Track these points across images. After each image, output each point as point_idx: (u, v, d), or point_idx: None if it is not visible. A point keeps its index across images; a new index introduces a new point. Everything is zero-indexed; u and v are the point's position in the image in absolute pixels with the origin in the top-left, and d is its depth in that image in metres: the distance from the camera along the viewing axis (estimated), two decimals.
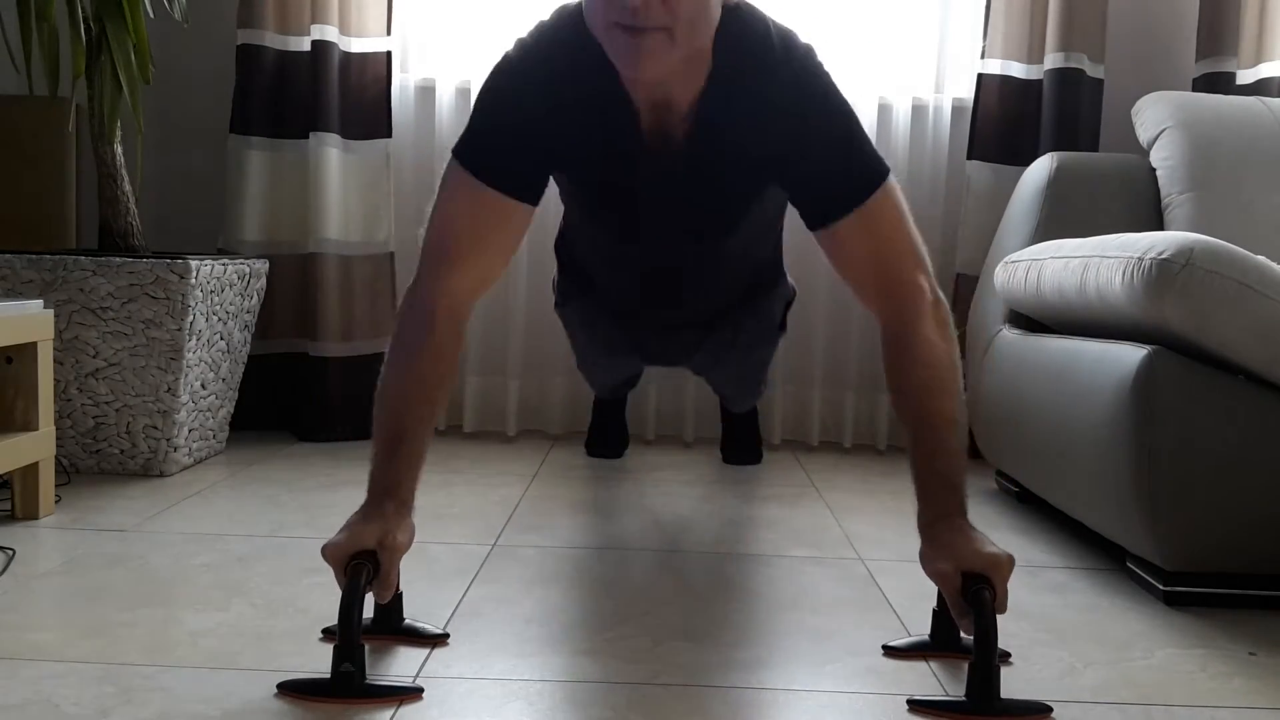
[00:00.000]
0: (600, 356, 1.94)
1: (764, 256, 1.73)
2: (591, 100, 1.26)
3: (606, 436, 2.30)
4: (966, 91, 2.47)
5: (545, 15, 1.33)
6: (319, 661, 1.09)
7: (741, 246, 1.58)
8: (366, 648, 1.04)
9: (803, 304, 2.46)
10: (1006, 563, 1.08)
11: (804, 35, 1.31)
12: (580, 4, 1.24)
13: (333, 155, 2.31)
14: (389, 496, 1.15)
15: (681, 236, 1.49)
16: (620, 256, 1.62)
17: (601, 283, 1.73)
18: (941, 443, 1.17)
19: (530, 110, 1.27)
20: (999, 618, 1.05)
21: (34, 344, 1.59)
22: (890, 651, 1.19)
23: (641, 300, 1.70)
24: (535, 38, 1.30)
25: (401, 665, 1.10)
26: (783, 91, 1.24)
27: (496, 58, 1.32)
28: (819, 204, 1.29)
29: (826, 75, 1.29)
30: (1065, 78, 2.33)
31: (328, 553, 1.09)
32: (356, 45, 2.34)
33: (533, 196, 1.30)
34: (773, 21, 1.30)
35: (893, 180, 1.28)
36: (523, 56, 1.29)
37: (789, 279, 1.86)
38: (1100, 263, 1.44)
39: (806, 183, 1.30)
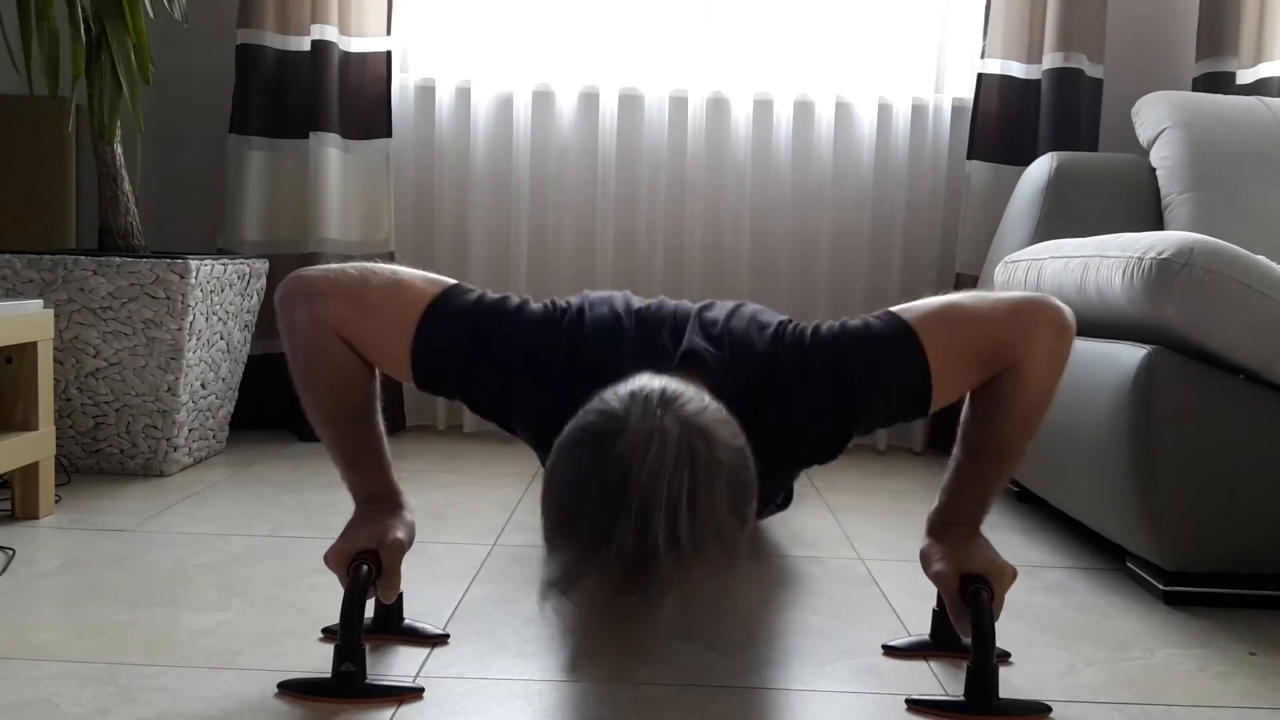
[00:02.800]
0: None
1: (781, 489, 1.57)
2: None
3: None
4: (966, 91, 2.47)
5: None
6: (319, 661, 1.09)
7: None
8: (367, 647, 1.04)
9: (803, 304, 2.46)
10: (1009, 572, 1.09)
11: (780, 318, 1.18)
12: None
13: (333, 155, 2.31)
14: (374, 500, 1.15)
15: None
16: None
17: None
18: (1000, 471, 1.13)
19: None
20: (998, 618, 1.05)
21: (34, 344, 1.59)
22: (890, 651, 1.19)
23: None
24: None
25: (401, 665, 1.10)
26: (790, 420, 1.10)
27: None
28: (900, 416, 1.15)
29: (808, 343, 1.12)
30: (1065, 77, 2.33)
31: (329, 558, 1.09)
32: (356, 45, 2.34)
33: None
34: (756, 332, 1.14)
35: (904, 317, 1.11)
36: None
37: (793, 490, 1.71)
38: (1100, 263, 1.44)
39: (879, 422, 1.16)
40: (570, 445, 0.90)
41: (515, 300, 1.15)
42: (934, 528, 1.16)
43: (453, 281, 1.15)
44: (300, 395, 1.14)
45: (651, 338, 1.12)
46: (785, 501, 1.65)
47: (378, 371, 1.15)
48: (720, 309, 1.17)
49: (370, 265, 1.14)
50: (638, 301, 1.18)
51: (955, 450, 1.16)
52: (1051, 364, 1.09)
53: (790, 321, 1.16)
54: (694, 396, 0.91)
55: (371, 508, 1.14)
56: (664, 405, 0.88)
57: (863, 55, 2.47)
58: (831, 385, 1.09)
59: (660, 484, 0.84)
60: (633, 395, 0.89)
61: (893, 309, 1.13)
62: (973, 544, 1.11)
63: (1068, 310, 1.10)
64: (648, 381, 0.92)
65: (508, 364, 1.11)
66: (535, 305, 1.15)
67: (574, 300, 1.17)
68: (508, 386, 1.11)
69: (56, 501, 1.67)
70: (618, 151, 2.44)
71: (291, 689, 1.02)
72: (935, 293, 1.19)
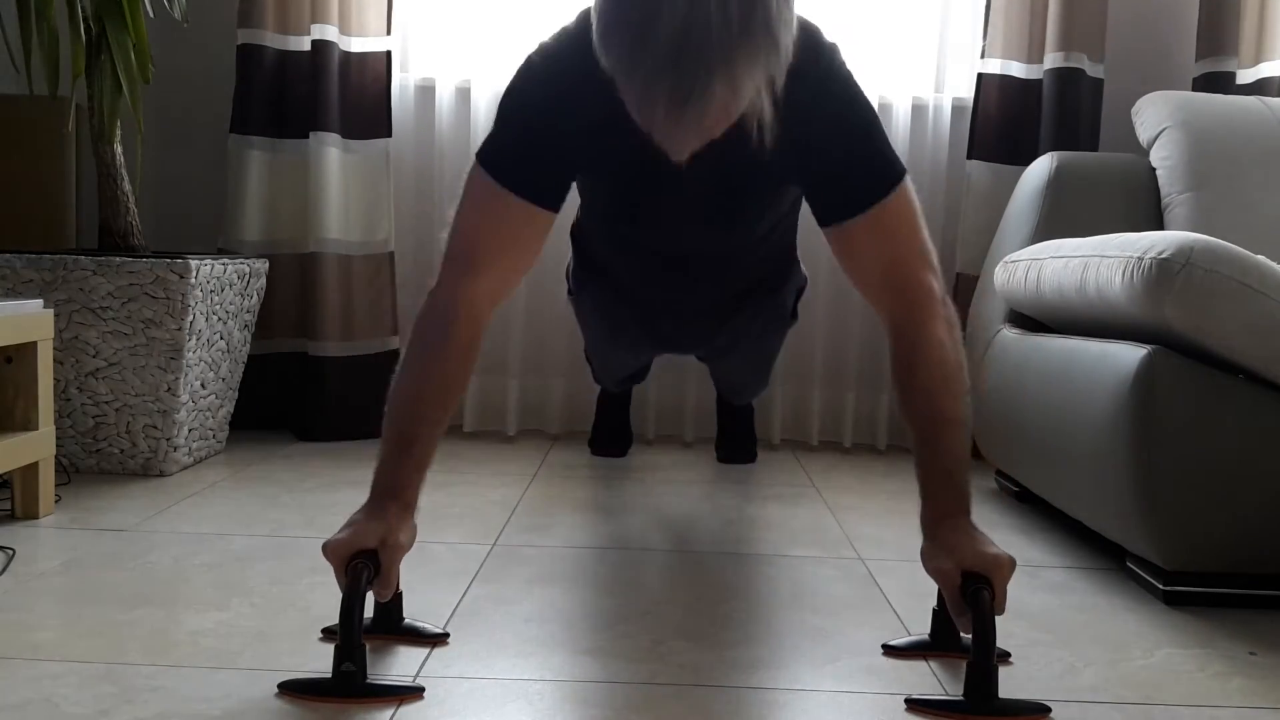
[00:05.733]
0: (613, 345, 1.93)
1: (780, 246, 1.72)
2: (607, 119, 1.19)
3: (611, 434, 2.30)
4: (966, 91, 2.47)
5: (555, 17, 1.30)
6: (319, 661, 1.09)
7: (758, 237, 1.57)
8: (367, 647, 1.04)
9: (804, 303, 2.46)
10: (1007, 564, 1.09)
11: (828, 33, 1.30)
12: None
13: (333, 155, 2.31)
14: (392, 497, 1.15)
15: (700, 229, 1.49)
16: (638, 246, 1.61)
17: (618, 270, 1.72)
18: (946, 443, 1.17)
19: (550, 117, 1.26)
20: (998, 618, 1.05)
21: (34, 344, 1.59)
22: (890, 651, 1.19)
23: (658, 287, 1.69)
24: (557, 43, 1.28)
25: (402, 665, 1.10)
26: (806, 93, 1.21)
27: (500, 58, 1.31)
28: (833, 202, 1.28)
29: (849, 75, 1.28)
30: (1065, 77, 2.33)
31: (329, 550, 1.09)
32: (356, 45, 2.34)
33: (554, 203, 1.29)
34: (800, 18, 1.26)
35: (908, 182, 1.27)
36: (545, 63, 1.28)
37: (801, 267, 1.86)
38: (1100, 262, 1.44)
39: (823, 181, 1.29)
40: None
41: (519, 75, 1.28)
42: (926, 526, 1.16)
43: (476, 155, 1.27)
44: (403, 366, 1.21)
45: None
46: (798, 293, 1.85)
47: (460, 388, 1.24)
48: None
49: (446, 250, 1.27)
50: None
51: (913, 449, 1.20)
52: (949, 330, 1.22)
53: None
54: None
55: (382, 504, 1.14)
56: None
57: (863, 55, 2.47)
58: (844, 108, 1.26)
59: None
60: None
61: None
62: (969, 537, 1.11)
63: (952, 306, 1.26)
64: None
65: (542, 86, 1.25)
66: (535, 56, 1.29)
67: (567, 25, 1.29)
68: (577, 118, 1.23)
69: (56, 501, 1.67)
70: None
71: (292, 689, 1.02)
72: None
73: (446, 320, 1.22)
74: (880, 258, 1.27)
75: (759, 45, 0.98)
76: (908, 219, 1.27)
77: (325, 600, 1.28)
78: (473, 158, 1.28)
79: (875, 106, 2.45)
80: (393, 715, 0.98)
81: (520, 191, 1.25)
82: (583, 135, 1.27)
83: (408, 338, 1.25)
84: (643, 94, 1.00)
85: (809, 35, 1.25)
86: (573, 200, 1.61)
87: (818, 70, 1.24)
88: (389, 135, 2.37)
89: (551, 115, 1.26)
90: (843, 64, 1.28)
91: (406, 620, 1.20)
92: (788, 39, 1.03)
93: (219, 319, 2.01)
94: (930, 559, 1.12)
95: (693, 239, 1.52)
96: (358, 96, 2.35)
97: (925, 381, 1.19)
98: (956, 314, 1.25)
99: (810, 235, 2.47)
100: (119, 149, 2.01)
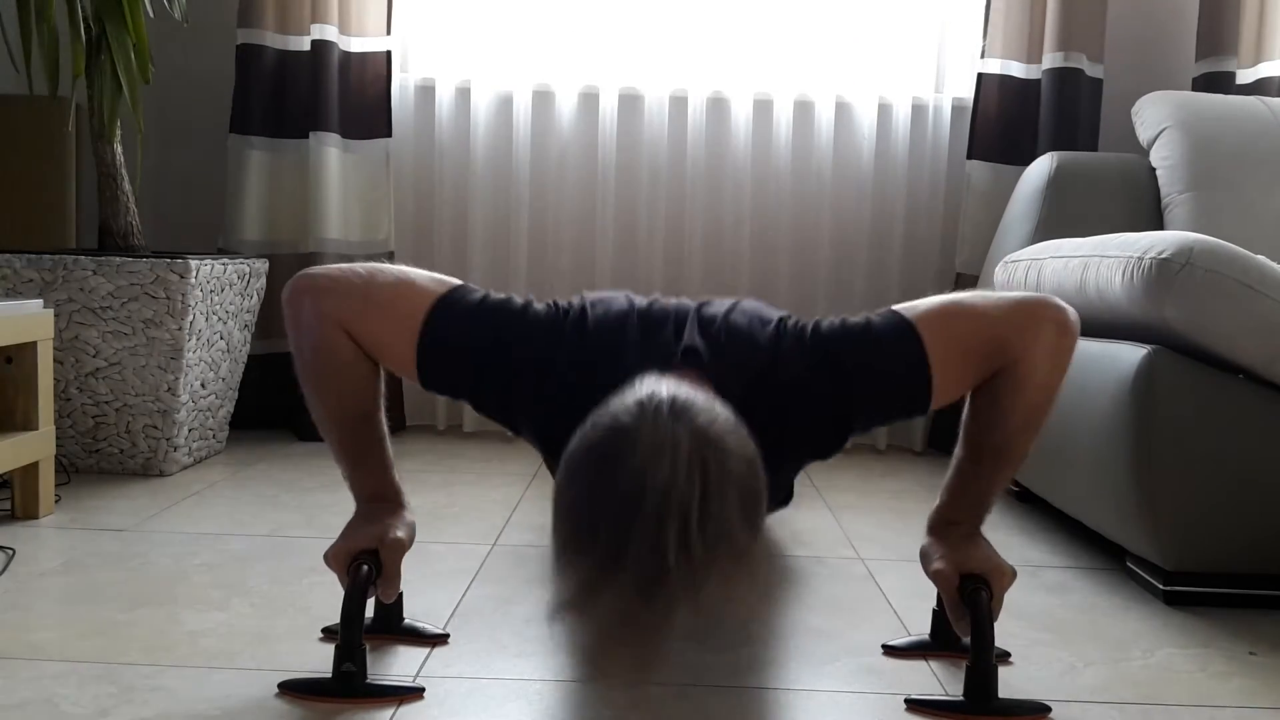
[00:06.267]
0: None
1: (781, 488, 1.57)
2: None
3: None
4: (966, 91, 2.47)
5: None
6: (319, 661, 1.09)
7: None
8: (367, 647, 1.04)
9: (803, 304, 2.46)
10: (1008, 573, 1.09)
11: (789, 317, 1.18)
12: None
13: (332, 155, 2.31)
14: (375, 499, 1.15)
15: None
16: None
17: None
18: (1002, 472, 1.13)
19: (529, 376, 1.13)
20: (998, 618, 1.05)
21: (34, 344, 1.59)
22: (890, 651, 1.19)
23: None
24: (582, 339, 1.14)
25: (402, 665, 1.10)
26: (784, 398, 1.10)
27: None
28: (906, 411, 1.14)
29: (808, 343, 1.12)
30: (1065, 77, 2.33)
31: (329, 557, 1.09)
32: (356, 45, 2.34)
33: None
34: (759, 328, 1.14)
35: (906, 315, 1.12)
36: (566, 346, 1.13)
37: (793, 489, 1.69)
38: (1100, 262, 1.44)
39: (879, 420, 1.16)
40: (580, 461, 0.90)
41: (520, 301, 1.16)
42: (934, 526, 1.16)
43: (458, 281, 1.15)
44: (305, 393, 1.14)
45: (654, 335, 1.12)
46: (786, 499, 1.65)
47: (382, 371, 1.15)
48: (719, 305, 1.18)
49: (377, 265, 1.15)
50: (639, 300, 1.19)
51: (957, 449, 1.16)
52: (1053, 363, 1.09)
53: (790, 318, 1.16)
54: (704, 405, 0.90)
55: (373, 507, 1.14)
56: (674, 416, 0.88)
57: (863, 55, 2.47)
58: (831, 382, 1.09)
59: (673, 497, 0.84)
60: (642, 406, 0.89)
61: (895, 307, 1.13)
62: (972, 544, 1.12)
63: (1071, 310, 1.09)
64: (656, 388, 0.91)
65: (513, 362, 1.11)
66: (539, 305, 1.16)
67: (575, 300, 1.18)
68: (513, 385, 1.12)
69: (56, 501, 1.67)
70: (618, 151, 2.44)
71: (292, 689, 1.02)
72: (936, 293, 1.19)
73: (319, 337, 1.11)
74: (976, 370, 1.11)
75: (725, 567, 0.87)
76: (949, 326, 1.10)
77: (325, 600, 1.28)
78: (450, 290, 1.14)
79: (875, 107, 2.46)
80: (393, 715, 0.98)
81: (426, 382, 1.14)
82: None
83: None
84: (606, 622, 0.88)
85: (773, 341, 1.12)
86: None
87: (788, 373, 1.11)
88: (389, 135, 2.37)
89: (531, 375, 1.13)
90: (796, 339, 1.13)
91: (406, 620, 1.20)
92: (761, 517, 0.93)
93: (219, 319, 2.00)
94: (929, 561, 1.12)
95: None
96: (358, 96, 2.35)
97: (1011, 418, 1.09)
98: (1074, 345, 1.10)
99: (811, 217, 2.48)
100: (119, 149, 2.01)
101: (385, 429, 1.16)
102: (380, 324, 1.11)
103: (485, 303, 1.13)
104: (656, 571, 0.84)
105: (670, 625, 0.87)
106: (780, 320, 1.15)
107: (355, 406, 1.14)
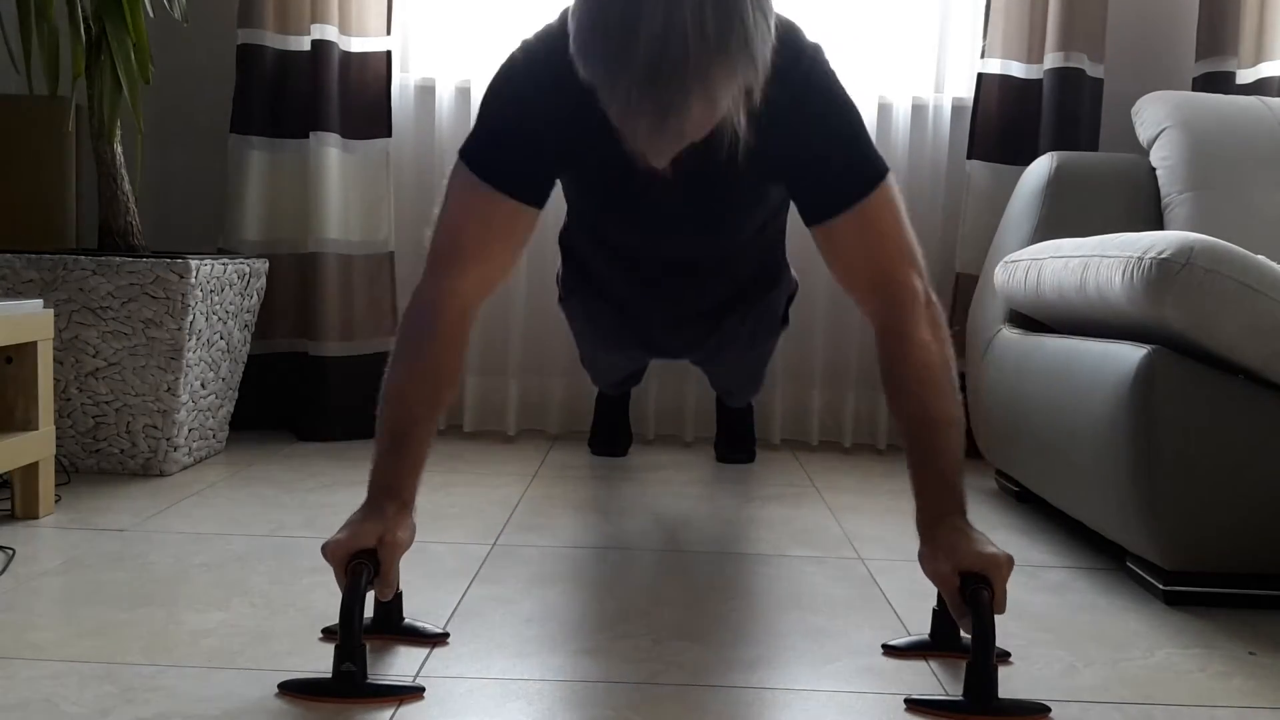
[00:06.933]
0: (604, 350, 1.93)
1: (768, 249, 1.73)
2: (587, 121, 1.18)
3: (610, 434, 2.30)
4: (966, 91, 2.47)
5: (552, 17, 1.31)
6: (319, 661, 1.09)
7: (746, 241, 1.58)
8: (367, 647, 1.04)
9: (803, 303, 2.46)
10: (1005, 563, 1.08)
11: (810, 33, 1.30)
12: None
13: (332, 155, 2.31)
14: (390, 496, 1.15)
15: (685, 231, 1.49)
16: (624, 251, 1.61)
17: (605, 275, 1.72)
18: (937, 442, 1.17)
19: (533, 116, 1.26)
20: (998, 617, 1.05)
21: (34, 344, 1.59)
22: (890, 651, 1.19)
23: (646, 293, 1.70)
24: (540, 42, 1.28)
25: (401, 665, 1.10)
26: (787, 95, 1.21)
27: (500, 58, 1.31)
28: (817, 200, 1.29)
29: (832, 74, 1.28)
30: (1065, 77, 2.33)
31: (328, 551, 1.09)
32: (356, 45, 2.34)
33: (538, 200, 1.30)
34: (779, 19, 1.28)
35: (891, 180, 1.27)
36: (527, 61, 1.28)
37: (791, 272, 1.86)
38: (1100, 262, 1.44)
39: (806, 179, 1.30)
40: None
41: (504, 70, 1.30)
42: (923, 529, 1.16)
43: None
44: (393, 367, 1.21)
45: None
46: (789, 298, 1.87)
47: (456, 385, 1.26)
48: None
49: (430, 247, 1.28)
50: None
51: (905, 451, 1.20)
52: (933, 328, 1.22)
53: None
54: None
55: (380, 503, 1.14)
56: None
57: (863, 55, 2.47)
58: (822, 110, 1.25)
59: None
60: None
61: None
62: (965, 537, 1.11)
63: (937, 304, 1.25)
64: None
65: (543, 102, 1.24)
66: (517, 52, 1.29)
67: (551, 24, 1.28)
68: (542, 102, 1.24)
69: (56, 501, 1.67)
70: None
71: (292, 689, 1.02)
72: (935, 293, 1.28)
73: (433, 316, 1.22)
74: (864, 257, 1.28)
75: (735, 61, 0.99)
76: (890, 217, 1.27)
77: (325, 600, 1.28)
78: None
79: (875, 106, 2.46)
80: (393, 715, 0.98)
81: (503, 187, 1.26)
82: (563, 135, 1.27)
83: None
84: (623, 110, 1.01)
85: (790, 36, 1.25)
86: (560, 201, 1.61)
87: (798, 72, 1.24)
88: (389, 135, 2.37)
89: (532, 113, 1.26)
90: (825, 65, 1.28)
91: (406, 620, 1.20)
92: (765, 51, 1.03)
93: (219, 319, 2.01)
94: (928, 562, 1.12)
95: (678, 242, 1.53)
96: (358, 96, 2.35)
97: (911, 383, 1.20)
98: (942, 312, 1.26)
99: (807, 239, 2.47)
100: (119, 149, 2.01)
101: (434, 431, 1.21)
102: (465, 223, 1.26)
103: (486, 111, 1.30)
104: (668, 54, 0.95)
105: (682, 118, 0.98)
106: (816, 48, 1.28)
107: (430, 391, 1.20)
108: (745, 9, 0.99)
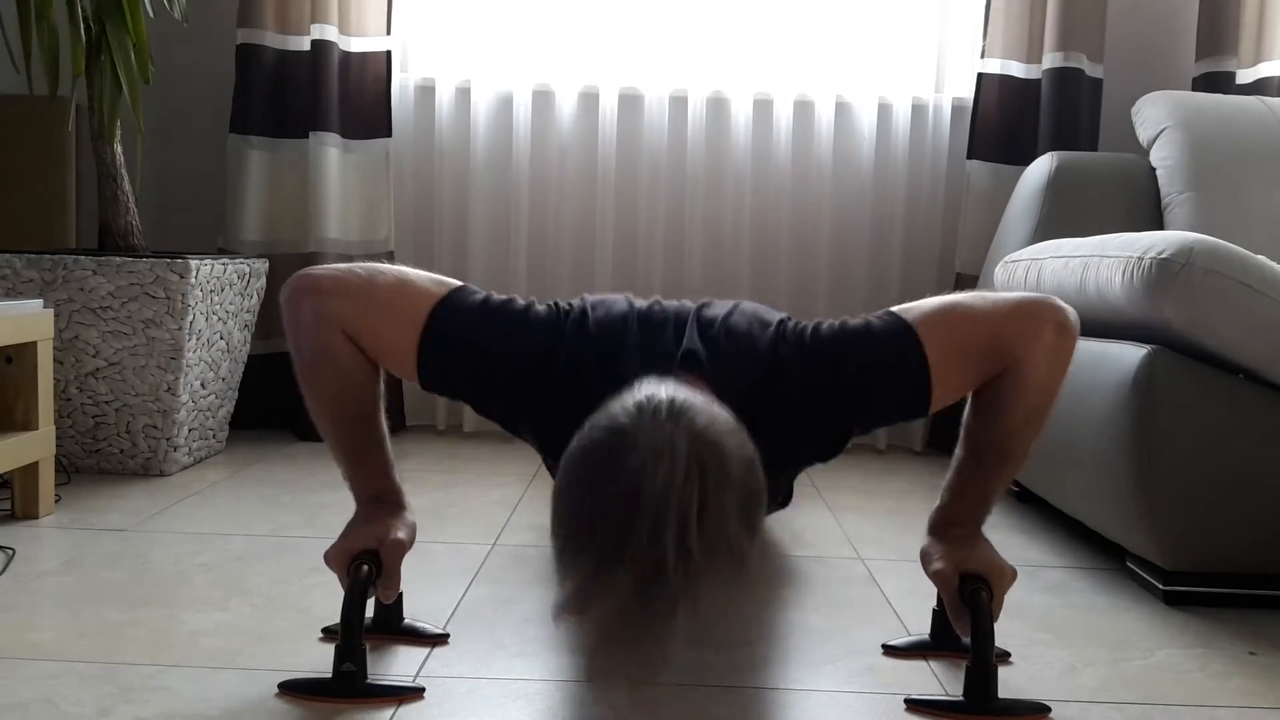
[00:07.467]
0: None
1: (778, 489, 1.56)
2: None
3: None
4: (966, 91, 2.47)
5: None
6: (319, 661, 1.09)
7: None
8: (367, 647, 1.04)
9: (803, 304, 2.46)
10: (1009, 573, 1.09)
11: (775, 314, 1.18)
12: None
13: (332, 155, 2.31)
14: (375, 500, 1.15)
15: None
16: None
17: None
18: (1004, 472, 1.13)
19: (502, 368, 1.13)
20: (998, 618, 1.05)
21: (34, 344, 1.59)
22: (890, 651, 1.19)
23: None
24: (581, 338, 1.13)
25: (402, 665, 1.10)
26: (790, 389, 1.10)
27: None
28: (887, 408, 1.13)
29: (811, 348, 1.12)
30: (1065, 77, 2.33)
31: (329, 558, 1.09)
32: (356, 45, 2.34)
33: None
34: (758, 330, 1.14)
35: (905, 317, 1.11)
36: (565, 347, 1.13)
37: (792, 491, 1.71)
38: (1100, 262, 1.44)
39: (879, 422, 1.17)
40: (579, 463, 0.90)
41: (521, 302, 1.16)
42: (935, 527, 1.16)
43: (459, 283, 1.15)
44: (304, 394, 1.14)
45: (654, 338, 1.12)
46: (785, 500, 1.65)
47: (382, 371, 1.15)
48: (719, 307, 1.18)
49: (376, 265, 1.14)
50: (640, 303, 1.19)
51: (958, 449, 1.16)
52: (1053, 364, 1.09)
53: (790, 320, 1.16)
54: (703, 408, 0.90)
55: (373, 507, 1.14)
56: (673, 418, 0.88)
57: (863, 55, 2.47)
58: (831, 385, 1.09)
59: (671, 499, 0.84)
60: (640, 408, 0.89)
61: (894, 309, 1.13)
62: (973, 544, 1.12)
63: (1071, 311, 1.09)
64: (655, 390, 0.91)
65: (514, 363, 1.11)
66: (540, 306, 1.16)
67: (576, 302, 1.18)
68: (514, 386, 1.12)
69: (56, 501, 1.67)
70: (618, 151, 2.44)
71: (292, 689, 1.02)
72: (935, 293, 1.19)
73: (315, 340, 1.11)
74: (975, 372, 1.11)
75: (724, 569, 0.88)
76: (946, 333, 1.09)
77: (325, 600, 1.28)
78: (445, 294, 1.12)
79: (875, 107, 2.46)
80: (393, 715, 0.98)
81: (427, 383, 1.13)
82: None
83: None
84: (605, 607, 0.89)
85: (771, 346, 1.12)
86: None
87: (787, 372, 1.11)
88: (389, 135, 2.37)
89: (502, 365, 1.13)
90: (796, 342, 1.12)
91: (406, 620, 1.20)
92: (760, 520, 0.93)
93: (219, 319, 2.00)
94: (930, 561, 1.12)
95: None
96: (358, 96, 2.35)
97: (1014, 419, 1.09)
98: (1074, 346, 1.09)
99: (811, 217, 2.48)
100: (119, 149, 2.01)
101: (385, 430, 1.16)
102: (382, 325, 1.10)
103: (487, 304, 1.13)
104: (655, 573, 0.84)
105: (670, 626, 0.87)
106: (780, 322, 1.15)
107: (355, 408, 1.14)
108: (730, 524, 0.87)
